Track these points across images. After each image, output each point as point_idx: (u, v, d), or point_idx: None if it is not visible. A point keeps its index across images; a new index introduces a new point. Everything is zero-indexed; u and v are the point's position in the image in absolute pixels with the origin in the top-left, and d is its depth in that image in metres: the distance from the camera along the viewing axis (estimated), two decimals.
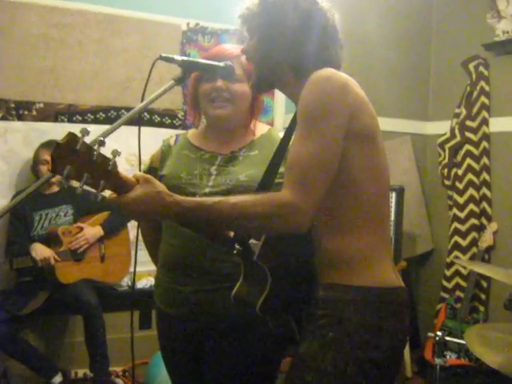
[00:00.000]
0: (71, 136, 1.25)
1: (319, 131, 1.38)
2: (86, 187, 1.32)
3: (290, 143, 1.62)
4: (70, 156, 1.25)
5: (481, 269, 2.58)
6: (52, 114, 3.78)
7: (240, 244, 1.57)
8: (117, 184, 1.36)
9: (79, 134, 1.26)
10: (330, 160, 1.39)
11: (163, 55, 1.61)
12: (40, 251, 3.38)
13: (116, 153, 1.32)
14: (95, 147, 1.30)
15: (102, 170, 1.31)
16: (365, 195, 1.47)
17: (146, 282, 3.81)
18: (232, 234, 1.62)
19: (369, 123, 1.46)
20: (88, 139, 1.29)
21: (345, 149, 1.41)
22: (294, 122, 1.63)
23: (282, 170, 1.62)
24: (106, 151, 1.32)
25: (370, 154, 1.47)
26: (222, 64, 1.73)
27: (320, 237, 1.50)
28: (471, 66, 4.13)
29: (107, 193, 1.39)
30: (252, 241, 1.56)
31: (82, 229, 3.56)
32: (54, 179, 3.39)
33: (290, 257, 1.53)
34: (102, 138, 1.31)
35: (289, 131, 1.66)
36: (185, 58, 1.65)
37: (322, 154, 1.37)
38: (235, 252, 1.58)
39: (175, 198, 1.40)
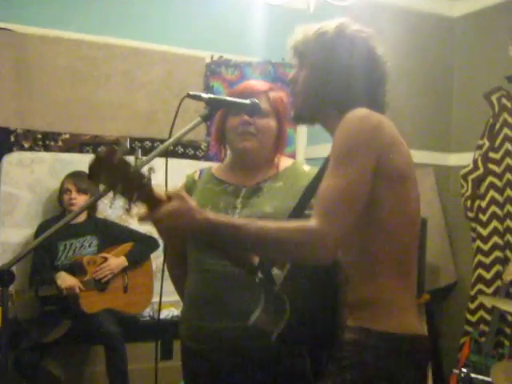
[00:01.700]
0: (111, 150, 1.30)
1: (349, 167, 1.41)
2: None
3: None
4: (107, 167, 1.29)
5: (504, 305, 2.54)
6: (77, 144, 3.85)
7: (263, 272, 1.58)
8: (150, 199, 1.38)
9: (119, 149, 1.30)
10: (357, 195, 1.41)
11: (191, 93, 1.63)
12: (65, 280, 3.41)
13: (152, 170, 1.36)
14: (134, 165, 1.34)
15: (137, 183, 1.33)
16: (395, 238, 1.47)
17: (167, 313, 3.81)
18: (256, 261, 1.63)
19: (400, 164, 1.47)
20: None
21: (375, 189, 1.43)
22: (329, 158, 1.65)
23: (313, 201, 1.63)
24: None
25: (401, 196, 1.47)
26: (247, 101, 1.75)
27: (348, 278, 1.50)
28: (494, 98, 4.12)
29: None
30: (275, 271, 1.56)
31: (106, 259, 3.59)
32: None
33: (312, 292, 1.53)
34: (139, 155, 1.36)
35: (324, 166, 1.67)
36: (211, 96, 1.67)
37: (350, 188, 1.40)
38: (257, 280, 1.59)
39: (206, 214, 1.41)
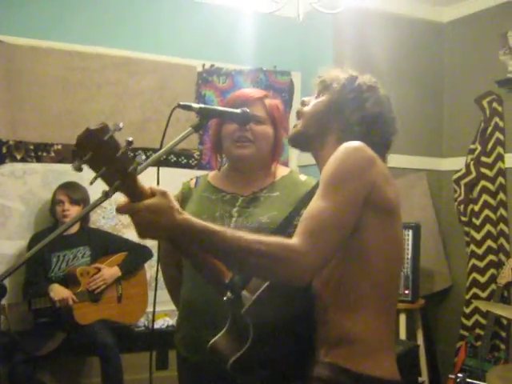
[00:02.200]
0: (103, 126, 1.20)
1: (340, 192, 1.39)
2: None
3: None
4: (95, 144, 1.19)
5: (499, 309, 2.54)
6: (70, 155, 3.82)
7: (232, 292, 1.52)
8: (131, 189, 1.29)
9: (111, 128, 1.22)
10: (344, 220, 1.38)
11: (181, 103, 1.61)
12: (58, 292, 3.40)
13: (140, 160, 1.27)
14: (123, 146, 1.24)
15: (122, 169, 1.23)
16: (377, 274, 1.45)
17: (162, 322, 3.80)
18: (227, 280, 1.57)
19: (391, 198, 1.46)
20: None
21: (362, 220, 1.41)
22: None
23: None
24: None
25: (387, 231, 1.46)
26: (238, 111, 1.74)
27: (327, 311, 1.48)
28: (485, 103, 4.14)
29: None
30: (245, 293, 1.50)
31: (99, 269, 3.58)
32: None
33: (280, 324, 1.47)
34: (130, 139, 1.25)
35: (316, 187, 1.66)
36: (202, 106, 1.66)
37: (339, 212, 1.37)
38: (225, 299, 1.54)
39: (185, 215, 1.34)
